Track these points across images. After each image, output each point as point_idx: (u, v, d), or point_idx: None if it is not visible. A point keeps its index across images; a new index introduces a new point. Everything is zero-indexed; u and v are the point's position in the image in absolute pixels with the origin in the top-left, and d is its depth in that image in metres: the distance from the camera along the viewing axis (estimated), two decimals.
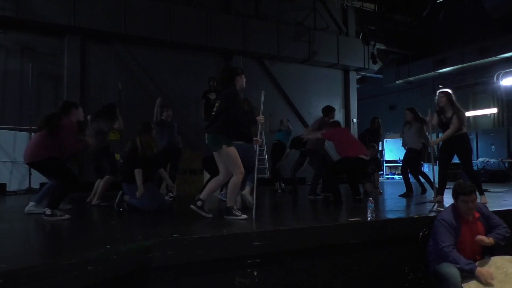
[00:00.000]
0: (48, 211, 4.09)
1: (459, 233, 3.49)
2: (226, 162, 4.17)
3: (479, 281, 3.24)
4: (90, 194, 5.92)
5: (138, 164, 4.96)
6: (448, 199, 4.51)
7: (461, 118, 5.23)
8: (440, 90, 5.58)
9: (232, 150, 4.11)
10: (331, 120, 6.73)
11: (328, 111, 6.90)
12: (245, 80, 4.35)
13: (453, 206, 3.62)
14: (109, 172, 5.72)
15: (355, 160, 5.83)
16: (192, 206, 4.24)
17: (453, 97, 5.37)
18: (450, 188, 6.96)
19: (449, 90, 5.49)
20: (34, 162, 4.27)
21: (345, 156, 5.87)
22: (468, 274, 3.31)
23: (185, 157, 7.82)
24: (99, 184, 5.84)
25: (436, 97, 5.49)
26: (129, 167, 5.01)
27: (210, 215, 4.19)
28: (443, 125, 5.38)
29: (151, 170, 5.18)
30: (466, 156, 5.38)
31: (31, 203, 4.68)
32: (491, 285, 3.22)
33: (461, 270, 3.34)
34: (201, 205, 4.22)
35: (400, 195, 6.85)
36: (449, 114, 5.32)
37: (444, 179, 5.52)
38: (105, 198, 5.73)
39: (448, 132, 5.25)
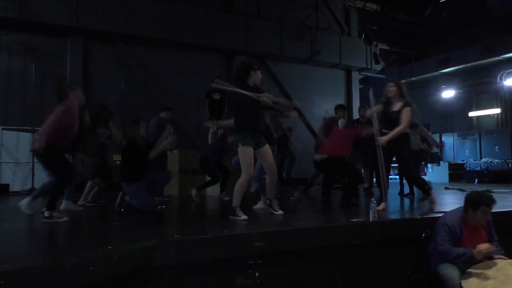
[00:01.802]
0: (46, 213, 4.07)
1: (461, 239, 3.47)
2: (240, 160, 4.17)
3: (481, 258, 3.34)
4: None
5: (137, 155, 5.00)
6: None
7: (411, 113, 4.69)
8: (392, 80, 5.12)
9: (247, 150, 4.10)
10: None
11: (335, 109, 6.75)
12: (260, 76, 4.37)
13: (460, 211, 3.58)
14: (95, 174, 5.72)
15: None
16: (231, 217, 4.12)
17: (404, 88, 4.87)
18: (458, 189, 6.90)
19: (400, 81, 5.01)
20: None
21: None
22: (470, 261, 3.38)
23: (186, 157, 7.83)
24: (94, 185, 5.89)
25: (386, 87, 4.94)
26: (128, 166, 5.03)
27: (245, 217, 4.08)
28: (387, 120, 4.81)
29: (144, 165, 5.16)
30: (407, 158, 4.85)
31: (27, 199, 4.61)
32: (492, 257, 3.35)
33: (463, 261, 3.36)
34: (237, 211, 4.11)
35: (404, 195, 6.83)
36: (396, 107, 4.77)
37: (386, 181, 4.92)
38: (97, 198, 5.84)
39: (399, 129, 4.64)
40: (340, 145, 5.46)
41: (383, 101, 4.94)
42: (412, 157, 5.08)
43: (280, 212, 4.36)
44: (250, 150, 4.12)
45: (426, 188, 4.99)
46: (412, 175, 5.02)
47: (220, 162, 6.79)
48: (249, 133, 4.15)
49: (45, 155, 4.16)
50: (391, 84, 4.90)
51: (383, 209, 4.68)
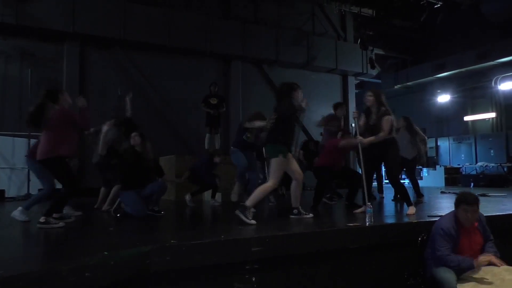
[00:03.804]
0: (42, 219, 4.05)
1: (457, 242, 3.49)
2: (271, 168, 4.35)
3: (480, 269, 3.31)
4: (95, 200, 6.02)
5: (132, 169, 5.00)
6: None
7: (390, 122, 4.75)
8: (370, 89, 5.12)
9: (284, 163, 4.32)
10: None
11: (337, 105, 6.80)
12: (302, 94, 4.53)
13: (453, 214, 3.60)
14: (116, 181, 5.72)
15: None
16: (238, 213, 4.11)
17: (383, 97, 4.90)
18: (453, 193, 6.88)
19: (378, 90, 5.06)
20: (45, 159, 4.18)
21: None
22: (469, 271, 3.35)
23: (183, 162, 7.82)
24: (104, 191, 5.89)
25: (364, 97, 5.00)
26: (123, 175, 5.05)
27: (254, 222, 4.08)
28: (369, 128, 4.86)
29: (146, 177, 5.17)
30: (392, 164, 4.88)
31: (19, 208, 4.58)
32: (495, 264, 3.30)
33: (461, 270, 3.36)
34: (248, 212, 4.10)
35: (392, 200, 6.84)
36: (374, 116, 4.84)
37: (369, 188, 4.99)
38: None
39: (379, 136, 4.70)
40: (325, 155, 5.80)
41: (363, 111, 5.03)
42: (398, 163, 5.09)
43: (311, 215, 4.54)
44: (285, 163, 4.33)
45: (409, 199, 4.95)
46: (397, 181, 5.01)
47: (211, 173, 6.90)
48: (287, 146, 4.36)
49: (52, 164, 4.19)
50: (369, 93, 4.95)
51: (361, 212, 4.76)
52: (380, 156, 4.89)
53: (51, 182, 4.65)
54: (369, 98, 4.89)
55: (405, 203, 5.10)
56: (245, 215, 4.03)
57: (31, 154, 4.70)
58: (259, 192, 4.25)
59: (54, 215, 4.32)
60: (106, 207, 5.66)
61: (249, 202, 4.15)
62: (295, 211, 4.54)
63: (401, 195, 5.04)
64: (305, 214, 4.53)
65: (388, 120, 4.74)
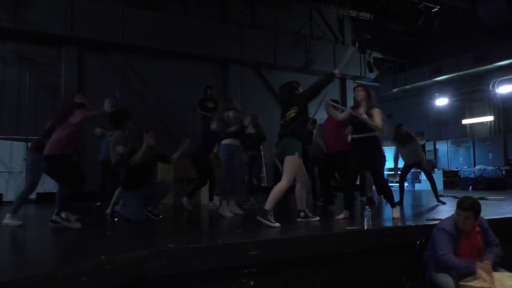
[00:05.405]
0: (63, 214, 4.12)
1: (457, 244, 3.49)
2: (286, 166, 4.28)
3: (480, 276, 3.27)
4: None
5: (132, 170, 4.97)
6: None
7: (381, 114, 4.63)
8: (360, 85, 5.17)
9: (298, 160, 4.28)
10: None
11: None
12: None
13: (454, 217, 3.62)
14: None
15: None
16: (260, 218, 4.12)
17: (372, 93, 4.86)
18: (452, 196, 6.86)
19: (368, 86, 5.00)
20: (51, 155, 4.23)
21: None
22: (469, 276, 3.34)
23: (181, 166, 7.81)
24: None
25: (355, 92, 4.99)
26: (127, 175, 5.03)
27: (277, 225, 4.07)
28: (355, 124, 4.77)
29: (144, 179, 5.15)
30: (378, 163, 4.83)
31: (7, 215, 4.56)
32: (491, 276, 3.25)
33: (461, 273, 3.35)
34: (269, 216, 4.13)
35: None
36: (362, 109, 4.72)
37: (351, 189, 4.89)
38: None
39: (375, 123, 4.55)
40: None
41: (352, 105, 5.01)
42: (383, 162, 5.10)
43: (317, 218, 4.54)
44: (299, 160, 4.31)
45: (393, 201, 4.90)
46: (383, 182, 4.94)
47: (208, 154, 6.70)
48: (301, 143, 4.35)
49: (59, 162, 4.26)
50: (360, 88, 4.92)
51: (344, 218, 4.60)
52: (366, 156, 4.76)
53: (34, 181, 4.65)
54: (360, 92, 4.84)
55: (397, 205, 5.07)
56: (267, 218, 4.06)
57: (34, 147, 4.73)
58: (275, 193, 4.22)
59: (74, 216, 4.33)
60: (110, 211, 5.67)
61: (268, 205, 4.14)
62: (301, 214, 4.53)
63: (386, 197, 5.01)
64: (312, 217, 4.51)
65: (379, 112, 4.66)
